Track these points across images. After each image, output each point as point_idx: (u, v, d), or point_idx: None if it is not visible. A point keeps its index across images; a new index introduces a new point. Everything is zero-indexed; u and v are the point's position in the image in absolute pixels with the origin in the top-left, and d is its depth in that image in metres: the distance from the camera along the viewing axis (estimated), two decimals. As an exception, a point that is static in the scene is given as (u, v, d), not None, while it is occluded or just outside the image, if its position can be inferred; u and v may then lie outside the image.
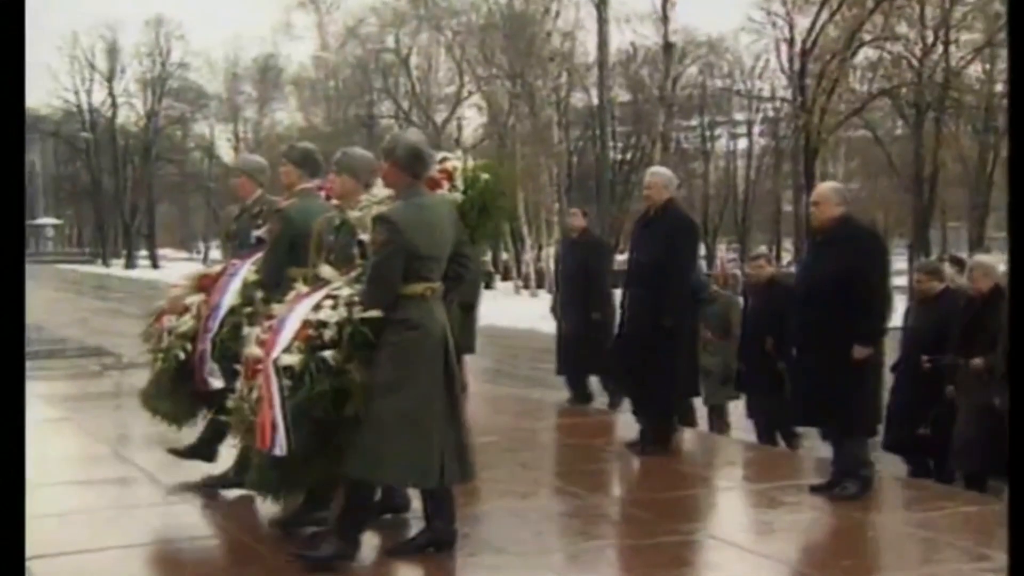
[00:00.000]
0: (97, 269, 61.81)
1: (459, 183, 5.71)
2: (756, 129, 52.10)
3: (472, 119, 49.52)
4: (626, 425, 8.08)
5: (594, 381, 10.24)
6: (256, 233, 6.23)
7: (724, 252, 50.08)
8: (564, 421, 9.35)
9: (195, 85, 64.06)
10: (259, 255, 6.09)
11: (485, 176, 5.78)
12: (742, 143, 54.03)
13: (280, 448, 4.76)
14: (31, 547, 5.17)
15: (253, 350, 5.00)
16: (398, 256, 4.83)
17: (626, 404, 9.41)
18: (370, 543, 5.14)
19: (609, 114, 28.21)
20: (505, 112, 41.48)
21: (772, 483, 6.83)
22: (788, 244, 46.79)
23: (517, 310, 25.96)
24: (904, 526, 5.83)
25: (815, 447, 7.77)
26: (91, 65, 63.50)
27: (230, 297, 6.03)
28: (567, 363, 10.26)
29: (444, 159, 5.81)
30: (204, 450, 6.26)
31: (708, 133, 53.94)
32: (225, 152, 62.76)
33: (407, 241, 4.83)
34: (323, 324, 4.86)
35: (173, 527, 5.57)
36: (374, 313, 4.83)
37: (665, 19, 39.66)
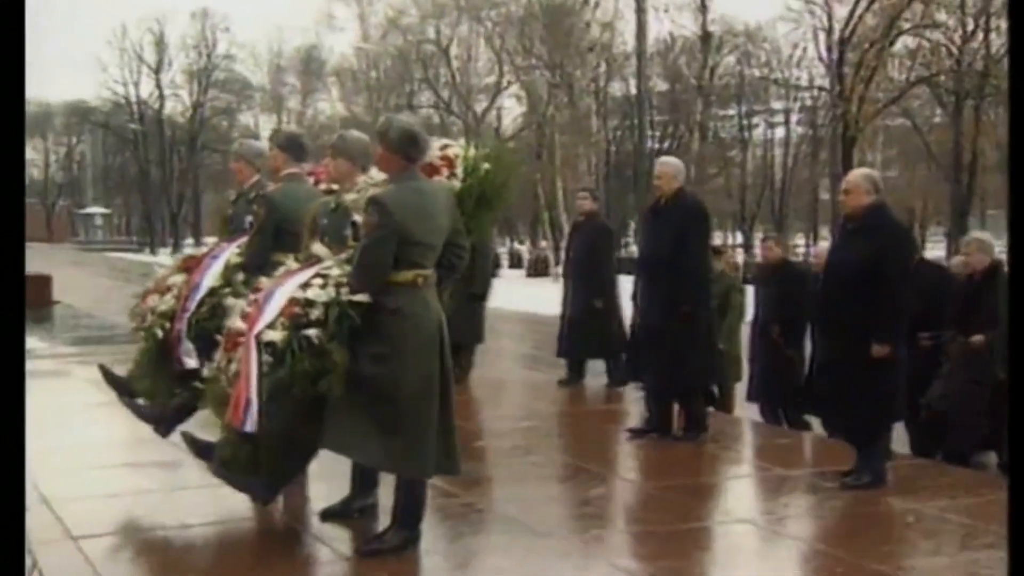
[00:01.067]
0: (145, 257, 62.21)
1: (459, 171, 5.56)
2: (794, 118, 51.72)
3: (511, 109, 49.60)
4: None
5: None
6: (250, 218, 6.18)
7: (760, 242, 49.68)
8: (602, 407, 9.34)
9: (240, 76, 64.61)
10: (244, 238, 6.05)
11: (486, 165, 5.61)
12: (780, 132, 53.73)
13: (251, 425, 4.65)
14: (83, 527, 5.27)
15: (236, 322, 4.87)
16: (389, 240, 4.63)
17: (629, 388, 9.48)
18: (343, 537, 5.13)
19: (647, 103, 28.03)
20: (544, 102, 41.45)
21: (807, 469, 6.79)
22: (825, 232, 46.42)
23: (554, 297, 25.93)
24: (941, 512, 5.78)
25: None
26: (139, 57, 64.26)
27: (210, 278, 5.96)
28: (569, 347, 10.29)
29: (446, 146, 5.65)
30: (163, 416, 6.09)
31: (746, 122, 53.61)
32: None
33: (399, 225, 4.62)
34: (310, 303, 4.70)
35: (221, 509, 5.61)
36: (362, 297, 4.67)
37: (703, 8, 39.57)
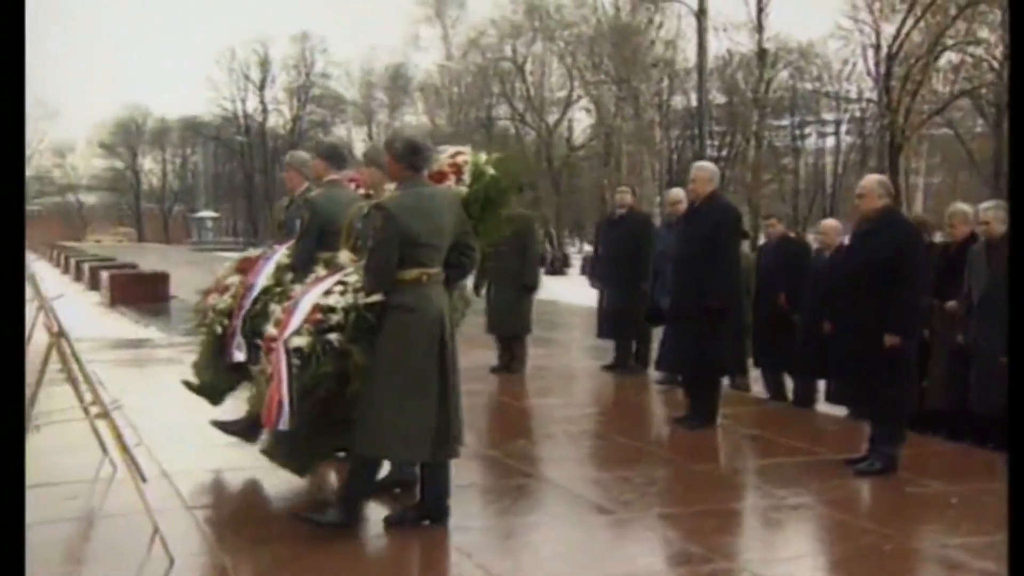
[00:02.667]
0: (250, 256, 63.19)
1: (466, 177, 5.48)
2: (843, 128, 50.85)
3: (581, 120, 49.37)
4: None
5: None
6: (299, 221, 6.23)
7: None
8: (661, 396, 9.28)
9: (335, 92, 65.44)
10: (293, 241, 6.10)
11: (491, 171, 5.52)
12: (830, 141, 52.93)
13: (284, 424, 4.68)
14: (197, 498, 5.39)
15: (270, 329, 4.91)
16: (392, 242, 4.61)
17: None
18: (374, 514, 5.09)
19: (707, 115, 27.83)
20: (612, 114, 41.26)
21: (855, 453, 6.68)
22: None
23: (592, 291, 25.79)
24: (982, 496, 5.68)
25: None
26: (246, 76, 65.49)
27: (263, 279, 6.03)
28: (611, 331, 10.32)
29: (457, 153, 5.58)
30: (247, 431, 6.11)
31: (798, 132, 52.90)
32: (361, 152, 63.78)
33: (402, 227, 4.61)
34: (331, 309, 4.71)
35: (313, 486, 5.69)
36: (376, 298, 4.66)
37: (760, 27, 39.01)
